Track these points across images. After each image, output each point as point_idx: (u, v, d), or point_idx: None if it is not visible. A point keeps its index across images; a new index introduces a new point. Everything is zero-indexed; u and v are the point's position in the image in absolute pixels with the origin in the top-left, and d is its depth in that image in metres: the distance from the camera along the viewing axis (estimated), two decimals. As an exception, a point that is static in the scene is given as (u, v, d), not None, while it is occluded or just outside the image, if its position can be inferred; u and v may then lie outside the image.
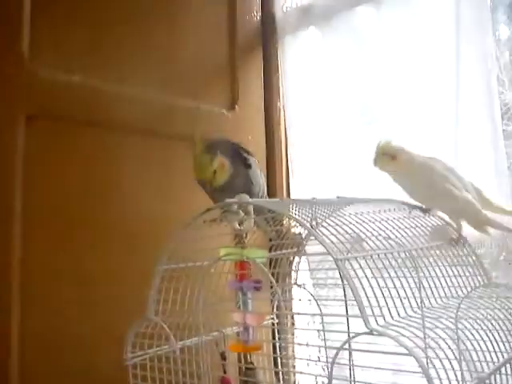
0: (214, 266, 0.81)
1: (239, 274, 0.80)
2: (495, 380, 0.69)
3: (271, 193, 1.46)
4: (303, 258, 1.08)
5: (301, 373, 1.02)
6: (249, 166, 0.99)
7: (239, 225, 0.81)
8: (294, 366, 1.16)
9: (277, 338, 1.02)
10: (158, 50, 1.31)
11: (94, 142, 1.15)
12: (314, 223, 0.80)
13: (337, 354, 0.61)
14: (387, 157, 0.94)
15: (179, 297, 0.80)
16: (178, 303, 0.81)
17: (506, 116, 1.23)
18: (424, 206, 0.96)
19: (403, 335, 0.57)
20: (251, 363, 0.86)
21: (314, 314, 1.01)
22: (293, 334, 1.22)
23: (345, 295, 0.91)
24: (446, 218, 0.95)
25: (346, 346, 0.60)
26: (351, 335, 0.60)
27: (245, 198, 0.78)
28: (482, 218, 0.93)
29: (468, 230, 0.96)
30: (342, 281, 0.83)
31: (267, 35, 1.55)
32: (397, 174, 0.95)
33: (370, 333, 0.57)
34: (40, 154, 1.07)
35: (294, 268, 1.06)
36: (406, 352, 0.54)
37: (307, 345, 0.95)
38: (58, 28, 1.12)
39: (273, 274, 0.93)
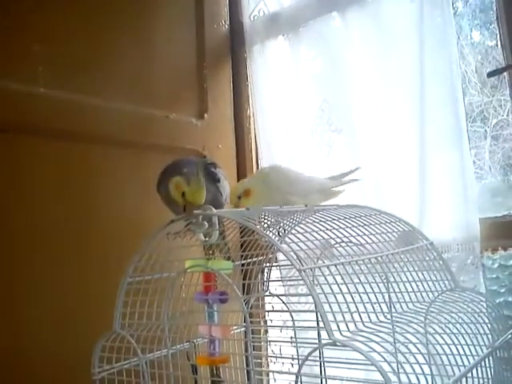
0: (183, 277, 0.80)
1: (204, 285, 0.79)
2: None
3: (242, 201, 1.46)
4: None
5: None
6: (218, 181, 1.00)
7: (205, 236, 0.81)
8: (267, 376, 1.15)
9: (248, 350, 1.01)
10: (127, 60, 1.31)
11: (63, 154, 1.14)
12: (281, 233, 0.79)
13: (301, 365, 0.60)
14: (242, 196, 0.98)
15: (146, 309, 0.79)
16: (146, 316, 0.80)
17: (478, 118, 1.25)
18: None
19: (366, 345, 0.57)
20: (218, 376, 0.85)
21: (282, 327, 1.00)
22: (266, 343, 1.21)
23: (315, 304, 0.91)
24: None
25: (311, 357, 0.59)
26: (314, 347, 0.60)
27: (209, 210, 0.77)
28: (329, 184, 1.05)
29: (434, 235, 0.97)
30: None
31: (236, 44, 1.56)
32: (257, 201, 0.98)
33: (333, 344, 0.57)
34: (5, 167, 1.05)
35: (265, 277, 1.06)
36: (369, 362, 0.53)
37: (276, 356, 0.94)
38: (22, 39, 1.11)
39: (244, 285, 0.93)
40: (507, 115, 1.28)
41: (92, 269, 1.12)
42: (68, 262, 1.10)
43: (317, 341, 0.91)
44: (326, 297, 0.63)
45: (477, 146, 1.29)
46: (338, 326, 0.59)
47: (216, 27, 1.54)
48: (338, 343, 0.56)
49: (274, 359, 1.18)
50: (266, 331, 1.26)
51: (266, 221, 0.85)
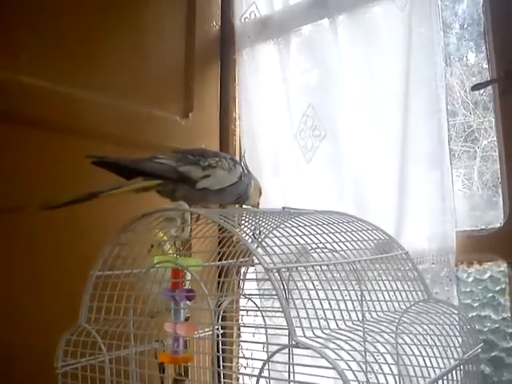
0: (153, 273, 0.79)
1: (172, 282, 0.78)
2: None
3: (224, 202, 1.45)
4: (251, 268, 1.07)
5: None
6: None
7: (175, 232, 0.79)
8: (237, 378, 1.14)
9: (219, 350, 1.00)
10: (114, 54, 1.30)
11: (43, 145, 1.12)
12: (256, 234, 0.79)
13: (262, 367, 0.59)
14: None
15: (114, 304, 0.78)
16: (113, 311, 0.78)
17: (469, 138, 1.25)
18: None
19: (333, 351, 0.56)
20: (180, 374, 0.83)
21: (252, 326, 0.99)
22: (238, 346, 1.20)
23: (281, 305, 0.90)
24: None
25: (274, 358, 0.58)
26: (276, 348, 0.59)
27: (182, 206, 0.76)
28: None
29: (411, 246, 0.97)
30: (285, 292, 0.82)
31: (226, 45, 1.56)
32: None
33: (296, 345, 0.56)
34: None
35: (240, 278, 1.05)
36: (330, 366, 0.52)
37: (243, 357, 0.93)
38: (6, 23, 1.09)
39: (218, 283, 0.92)
40: (497, 137, 1.28)
41: (66, 262, 1.10)
42: (43, 251, 1.09)
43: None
44: (294, 303, 0.62)
45: (466, 165, 1.30)
46: (303, 330, 0.58)
47: (207, 28, 1.53)
48: (300, 345, 0.55)
49: (244, 362, 1.17)
50: (239, 335, 1.25)
51: (243, 222, 0.84)
